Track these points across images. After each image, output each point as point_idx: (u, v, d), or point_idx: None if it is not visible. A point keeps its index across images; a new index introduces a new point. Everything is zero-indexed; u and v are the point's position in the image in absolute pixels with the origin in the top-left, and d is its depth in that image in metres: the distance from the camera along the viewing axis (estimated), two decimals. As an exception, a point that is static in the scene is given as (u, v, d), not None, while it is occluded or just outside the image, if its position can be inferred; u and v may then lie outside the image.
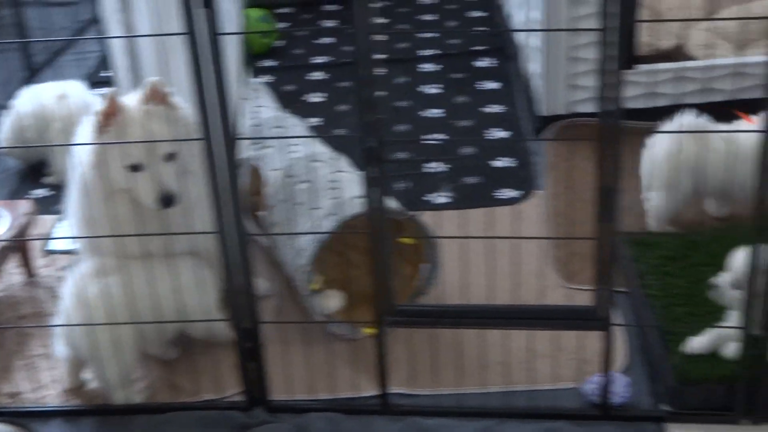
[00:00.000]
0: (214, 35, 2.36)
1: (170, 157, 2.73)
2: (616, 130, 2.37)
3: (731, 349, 2.68)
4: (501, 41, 4.89)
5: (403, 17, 5.36)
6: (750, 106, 3.14)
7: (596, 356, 2.69)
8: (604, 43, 2.28)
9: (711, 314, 2.80)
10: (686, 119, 3.23)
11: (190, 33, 2.34)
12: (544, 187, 3.74)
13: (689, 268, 3.05)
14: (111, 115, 2.69)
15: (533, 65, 4.16)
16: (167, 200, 2.71)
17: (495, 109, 4.37)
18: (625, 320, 3.02)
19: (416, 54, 4.91)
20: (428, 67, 4.79)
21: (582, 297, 3.02)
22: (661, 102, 3.86)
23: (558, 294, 3.14)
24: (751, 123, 3.21)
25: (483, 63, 4.77)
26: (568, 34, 3.81)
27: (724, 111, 3.37)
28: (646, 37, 4.16)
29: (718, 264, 2.83)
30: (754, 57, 3.96)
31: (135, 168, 2.72)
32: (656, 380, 2.81)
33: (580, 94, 3.93)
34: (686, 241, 3.17)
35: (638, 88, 3.91)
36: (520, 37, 4.48)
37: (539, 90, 4.05)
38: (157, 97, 2.73)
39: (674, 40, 4.31)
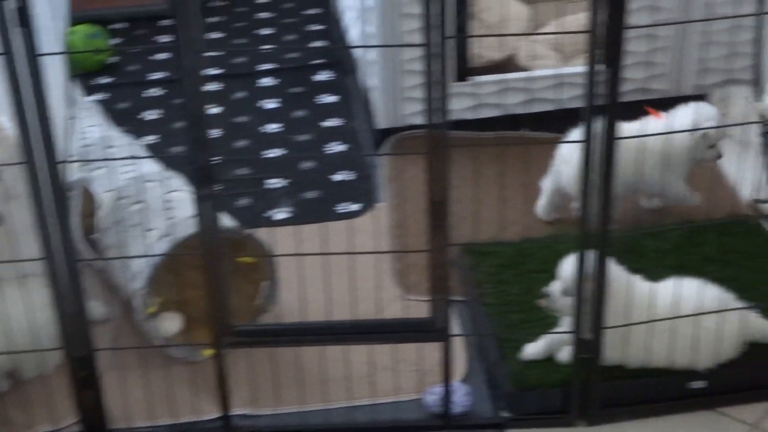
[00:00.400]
0: (33, 56, 2.28)
1: None
2: (444, 142, 2.40)
3: (565, 354, 2.75)
4: (339, 55, 4.90)
5: (240, 32, 5.31)
6: (572, 116, 3.23)
7: (436, 366, 2.73)
8: (429, 57, 2.31)
9: (545, 320, 2.87)
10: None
11: (7, 53, 2.26)
12: (384, 200, 3.77)
13: (523, 275, 3.13)
14: None
15: (371, 78, 4.19)
16: None
17: (334, 122, 4.37)
18: (463, 329, 3.06)
19: (254, 68, 4.88)
20: (267, 81, 4.76)
21: (421, 308, 3.03)
22: (490, 113, 3.94)
23: (397, 306, 3.16)
24: (660, 119, 3.30)
25: (322, 77, 4.78)
26: (402, 48, 3.85)
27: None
28: (479, 49, 4.24)
29: (550, 270, 2.91)
30: (576, 68, 4.09)
31: None
32: (495, 387, 2.86)
33: (416, 107, 3.98)
34: (520, 249, 3.24)
35: (469, 99, 3.98)
36: (357, 51, 4.50)
37: (377, 103, 4.07)
38: None
39: (506, 51, 4.41)
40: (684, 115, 3.27)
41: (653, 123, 3.29)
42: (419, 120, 3.97)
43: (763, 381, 2.80)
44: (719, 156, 3.34)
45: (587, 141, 2.43)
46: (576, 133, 3.27)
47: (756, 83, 3.41)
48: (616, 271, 2.69)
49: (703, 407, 2.77)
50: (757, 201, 3.57)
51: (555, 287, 2.75)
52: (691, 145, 3.28)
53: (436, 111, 2.38)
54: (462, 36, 3.83)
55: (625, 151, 3.15)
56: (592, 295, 2.54)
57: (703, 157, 3.34)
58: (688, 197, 3.38)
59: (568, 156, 3.30)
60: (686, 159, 3.33)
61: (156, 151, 3.93)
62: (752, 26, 3.43)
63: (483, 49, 4.29)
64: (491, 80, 4.03)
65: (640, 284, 2.77)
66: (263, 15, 5.50)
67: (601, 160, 2.43)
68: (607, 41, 2.31)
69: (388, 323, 2.68)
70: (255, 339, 2.67)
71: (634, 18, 3.80)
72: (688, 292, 2.72)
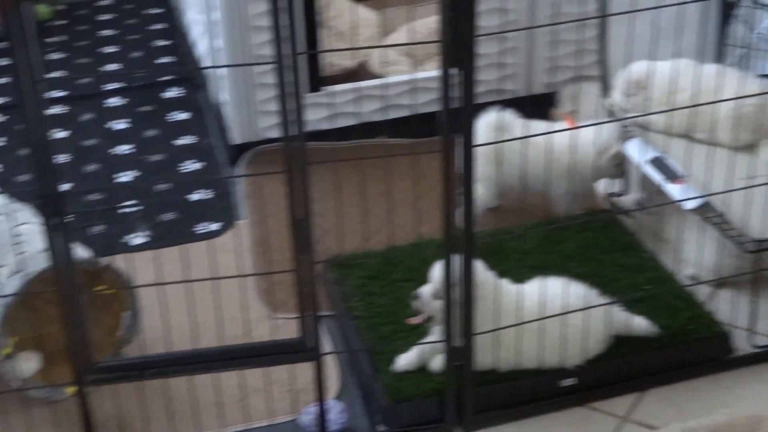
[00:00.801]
0: None
1: None
2: (302, 156, 2.35)
3: (438, 362, 2.74)
4: (188, 70, 4.79)
5: (83, 51, 5.14)
6: (429, 121, 3.24)
7: (310, 385, 2.67)
8: (281, 71, 2.26)
9: (415, 330, 2.85)
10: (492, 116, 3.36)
11: None
12: (245, 217, 3.69)
13: (391, 285, 3.11)
14: None
15: (222, 93, 4.11)
16: None
17: (187, 140, 4.27)
18: (334, 345, 3.02)
19: (100, 89, 4.72)
20: (114, 101, 4.61)
21: (290, 326, 2.99)
22: (346, 122, 3.91)
23: (266, 326, 3.10)
24: (570, 122, 3.31)
25: (171, 93, 4.66)
26: (253, 60, 3.78)
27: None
28: (330, 57, 4.21)
29: (417, 279, 2.90)
30: (429, 72, 4.12)
31: None
32: (370, 402, 2.83)
33: (271, 120, 3.92)
34: (386, 259, 3.22)
35: (324, 109, 3.94)
36: (207, 66, 4.41)
37: (230, 118, 4.00)
38: None
39: (357, 59, 4.40)
40: (588, 132, 3.32)
41: (562, 126, 3.35)
42: (275, 133, 3.92)
43: (629, 373, 2.85)
44: (622, 173, 3.44)
45: (445, 145, 2.41)
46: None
47: (603, 79, 3.48)
48: (483, 274, 2.70)
49: (575, 404, 2.80)
50: (611, 195, 3.65)
51: (425, 290, 2.74)
52: (596, 160, 3.34)
53: (292, 123, 2.33)
54: (313, 52, 3.79)
55: (534, 151, 3.21)
56: (460, 300, 2.53)
57: (606, 173, 3.43)
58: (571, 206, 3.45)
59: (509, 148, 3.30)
60: (590, 172, 3.40)
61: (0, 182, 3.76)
62: (596, 23, 3.50)
63: (335, 58, 4.26)
64: (345, 89, 4.00)
65: (508, 287, 2.78)
66: (106, 32, 5.34)
67: (464, 163, 2.41)
68: (458, 46, 2.30)
69: (257, 346, 2.61)
70: (118, 374, 2.56)
71: (483, 20, 3.87)
72: (553, 291, 2.74)
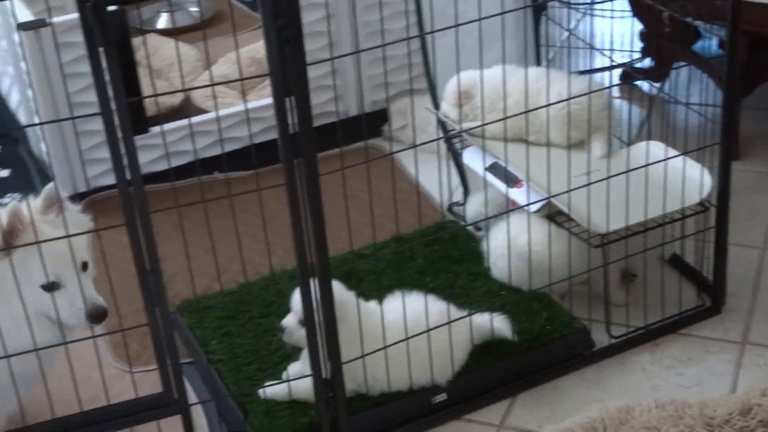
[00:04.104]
0: None
1: (85, 266, 2.45)
2: (142, 203, 2.26)
3: (309, 394, 2.66)
4: (4, 126, 4.57)
5: None
6: (265, 150, 3.19)
7: (182, 438, 2.57)
8: (107, 118, 2.18)
9: (280, 365, 2.79)
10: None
11: None
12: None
13: (248, 324, 3.03)
14: (14, 233, 2.30)
15: (43, 145, 3.93)
16: (101, 315, 2.39)
17: (12, 198, 4.06)
18: (197, 394, 2.91)
19: None
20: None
21: (149, 379, 2.88)
22: (182, 160, 3.80)
23: (125, 382, 2.96)
24: None
25: (-11, 151, 4.43)
26: (69, 108, 3.63)
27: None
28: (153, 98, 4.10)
29: (275, 312, 2.84)
30: (260, 101, 4.07)
31: (52, 287, 2.36)
32: (243, 447, 2.74)
33: (100, 167, 3.78)
34: (239, 297, 3.14)
35: (156, 150, 3.83)
36: (21, 119, 4.21)
37: (56, 170, 3.82)
38: (55, 204, 2.40)
39: (180, 95, 4.29)
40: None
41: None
42: (106, 180, 3.78)
43: (498, 381, 2.87)
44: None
45: (288, 172, 2.36)
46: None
47: (431, 92, 3.50)
48: (343, 295, 2.66)
49: (450, 418, 2.80)
50: (452, 204, 3.68)
51: (289, 320, 2.68)
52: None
53: (126, 168, 2.24)
54: (137, 99, 3.67)
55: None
56: (324, 327, 2.48)
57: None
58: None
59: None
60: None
61: None
62: (417, 37, 3.53)
63: (157, 97, 4.14)
64: (173, 128, 3.90)
65: (369, 306, 2.76)
66: None
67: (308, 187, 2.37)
68: (290, 75, 2.25)
69: (120, 407, 2.49)
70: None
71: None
72: (414, 311, 2.72)
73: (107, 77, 2.17)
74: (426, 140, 2.98)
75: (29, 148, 4.20)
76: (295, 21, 2.20)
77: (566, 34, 4.51)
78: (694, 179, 2.97)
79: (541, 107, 2.92)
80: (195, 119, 3.93)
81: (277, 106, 2.29)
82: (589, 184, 2.84)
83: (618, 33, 4.46)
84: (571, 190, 2.83)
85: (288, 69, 2.24)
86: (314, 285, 2.46)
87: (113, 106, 2.24)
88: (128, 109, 3.66)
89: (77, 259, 2.40)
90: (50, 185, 2.46)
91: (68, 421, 2.45)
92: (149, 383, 2.86)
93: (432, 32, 2.73)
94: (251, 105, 4.02)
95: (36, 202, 2.46)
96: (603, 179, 2.84)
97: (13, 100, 4.31)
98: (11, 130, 4.43)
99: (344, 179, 2.67)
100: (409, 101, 3.97)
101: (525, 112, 2.84)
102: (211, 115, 3.97)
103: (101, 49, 2.14)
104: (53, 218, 2.42)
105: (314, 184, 2.36)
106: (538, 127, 3.19)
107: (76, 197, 3.79)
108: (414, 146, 2.64)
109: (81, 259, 2.45)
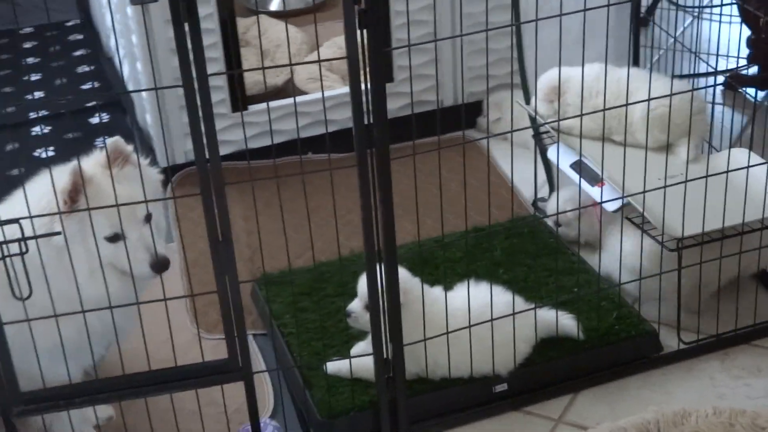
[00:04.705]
0: None
1: (148, 218, 2.52)
2: (217, 177, 2.35)
3: (370, 373, 2.73)
4: (114, 95, 4.76)
5: (5, 80, 5.08)
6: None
7: (244, 405, 2.66)
8: (191, 96, 2.26)
9: (347, 344, 2.86)
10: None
11: None
12: (174, 240, 3.67)
13: (321, 301, 3.11)
14: (77, 191, 2.41)
15: (148, 116, 4.09)
16: (162, 265, 2.49)
17: (115, 165, 4.22)
18: (266, 363, 3.01)
19: (26, 117, 4.66)
20: (39, 129, 4.56)
21: (223, 347, 2.97)
22: (280, 138, 3.90)
23: (197, 348, 3.06)
24: None
25: (97, 119, 4.62)
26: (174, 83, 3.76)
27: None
28: (258, 76, 4.21)
29: (347, 293, 2.90)
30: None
31: (115, 238, 2.47)
32: (305, 419, 2.82)
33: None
34: (316, 275, 3.22)
35: (254, 128, 3.94)
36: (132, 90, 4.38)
37: (156, 141, 3.97)
38: (119, 157, 2.51)
39: (284, 76, 4.40)
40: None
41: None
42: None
43: (561, 376, 2.88)
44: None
45: (360, 160, 2.42)
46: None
47: (524, 87, 3.52)
48: (409, 282, 2.71)
49: (509, 409, 2.82)
50: (538, 200, 3.69)
51: (355, 305, 2.75)
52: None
53: (206, 147, 2.33)
54: (218, 73, 3.75)
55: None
56: (388, 311, 2.54)
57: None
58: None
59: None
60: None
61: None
62: (513, 32, 3.54)
63: (260, 76, 4.26)
64: (272, 107, 3.99)
65: (435, 292, 2.80)
66: (30, 60, 5.28)
67: (379, 177, 2.43)
68: (369, 62, 2.31)
69: (186, 369, 2.59)
70: (46, 404, 2.52)
71: (400, 33, 3.90)
72: (480, 300, 2.75)
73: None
74: (516, 134, 3.00)
75: (135, 118, 4.36)
76: (375, 6, 2.25)
77: (673, 37, 4.45)
78: (774, 188, 2.92)
79: (636, 102, 2.90)
80: (286, 101, 4.01)
81: (353, 92, 2.34)
82: (665, 187, 2.82)
83: (725, 38, 4.39)
84: (646, 191, 2.81)
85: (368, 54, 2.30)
86: (380, 270, 2.52)
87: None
88: (229, 86, 3.90)
89: (138, 212, 2.50)
90: (114, 138, 2.56)
91: (136, 378, 2.56)
92: (221, 353, 2.95)
93: (524, 22, 2.75)
94: (346, 90, 4.08)
95: (101, 156, 2.56)
96: (680, 183, 2.81)
97: (125, 72, 4.49)
98: (118, 97, 4.60)
99: (415, 170, 2.68)
100: (506, 95, 3.98)
101: (605, 109, 2.83)
102: (311, 96, 4.06)
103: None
104: (117, 172, 2.50)
105: (385, 174, 2.42)
106: (624, 127, 3.16)
107: (176, 169, 3.96)
108: (487, 137, 2.67)
109: (143, 213, 2.53)
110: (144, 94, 3.92)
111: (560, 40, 2.70)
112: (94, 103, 4.69)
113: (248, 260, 3.47)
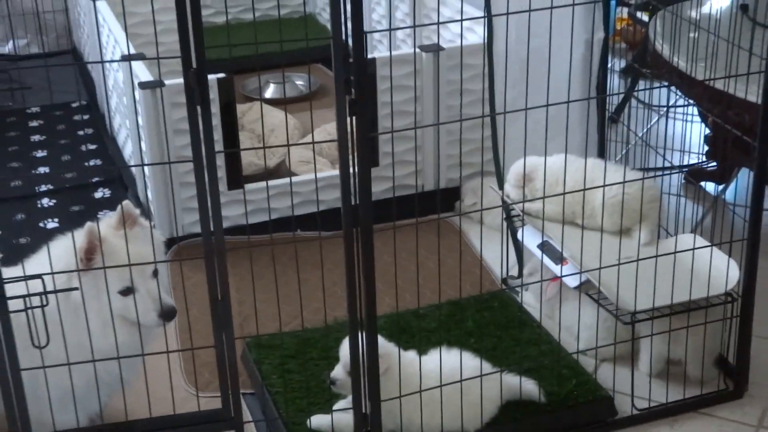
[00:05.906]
0: None
1: (155, 273, 2.82)
2: (219, 242, 2.64)
3: (350, 428, 2.98)
4: (116, 172, 5.06)
5: (13, 156, 5.39)
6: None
7: (233, 457, 2.90)
8: (198, 171, 2.56)
9: (329, 401, 3.12)
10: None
11: None
12: (170, 306, 3.92)
13: (307, 363, 3.37)
14: (93, 251, 2.70)
15: (149, 192, 4.38)
16: (169, 313, 2.79)
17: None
18: (254, 419, 3.25)
19: (33, 190, 4.96)
20: (45, 202, 4.86)
21: (215, 404, 3.22)
22: (273, 215, 4.20)
23: (193, 403, 3.32)
24: None
25: (101, 194, 4.91)
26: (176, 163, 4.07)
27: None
28: (252, 158, 4.54)
29: (331, 357, 3.16)
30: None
31: (127, 291, 2.76)
32: (288, 470, 3.06)
33: (194, 216, 4.19)
34: (302, 340, 3.49)
35: (249, 205, 4.23)
36: (133, 169, 4.69)
37: (156, 215, 4.26)
38: (129, 219, 2.80)
39: (276, 158, 4.72)
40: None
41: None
42: (197, 228, 4.18)
43: (522, 434, 3.14)
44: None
45: (347, 238, 2.70)
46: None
47: (498, 173, 3.84)
48: (385, 347, 2.98)
49: (475, 465, 3.07)
50: (506, 277, 3.98)
51: (339, 371, 3.01)
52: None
53: (210, 219, 2.62)
54: (225, 151, 4.09)
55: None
56: (367, 372, 2.81)
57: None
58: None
59: None
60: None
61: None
62: (489, 123, 3.89)
63: (254, 158, 4.59)
64: (261, 187, 4.30)
65: (409, 356, 3.08)
66: (35, 138, 5.60)
67: (363, 253, 2.71)
68: (357, 145, 2.62)
69: (180, 417, 2.84)
70: (53, 447, 2.76)
71: (386, 121, 4.23)
72: (452, 364, 3.03)
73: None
74: (489, 217, 3.27)
75: (136, 193, 4.66)
76: (364, 96, 2.56)
77: (639, 134, 4.80)
78: (721, 270, 3.23)
79: (593, 187, 3.23)
80: (279, 181, 4.31)
81: (342, 174, 2.64)
82: (619, 264, 3.13)
83: (688, 135, 4.74)
84: (601, 268, 3.11)
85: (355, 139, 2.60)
86: (362, 337, 2.79)
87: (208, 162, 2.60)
88: (226, 165, 4.21)
89: (147, 267, 2.80)
90: (124, 203, 2.88)
91: (136, 424, 2.81)
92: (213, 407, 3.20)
93: (500, 114, 3.05)
94: (334, 173, 4.40)
95: (111, 219, 2.88)
96: (632, 261, 3.12)
97: (127, 151, 4.80)
98: (118, 174, 4.90)
99: (395, 248, 2.95)
100: (479, 182, 4.30)
101: (564, 193, 3.15)
102: (303, 177, 4.38)
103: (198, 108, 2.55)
104: (127, 232, 2.81)
105: (368, 251, 2.69)
106: (589, 212, 3.48)
107: (173, 241, 4.24)
108: (459, 214, 2.95)
109: (151, 267, 2.83)
110: (147, 170, 4.21)
111: (525, 133, 3.01)
112: (96, 179, 5.01)
113: (239, 326, 3.74)
